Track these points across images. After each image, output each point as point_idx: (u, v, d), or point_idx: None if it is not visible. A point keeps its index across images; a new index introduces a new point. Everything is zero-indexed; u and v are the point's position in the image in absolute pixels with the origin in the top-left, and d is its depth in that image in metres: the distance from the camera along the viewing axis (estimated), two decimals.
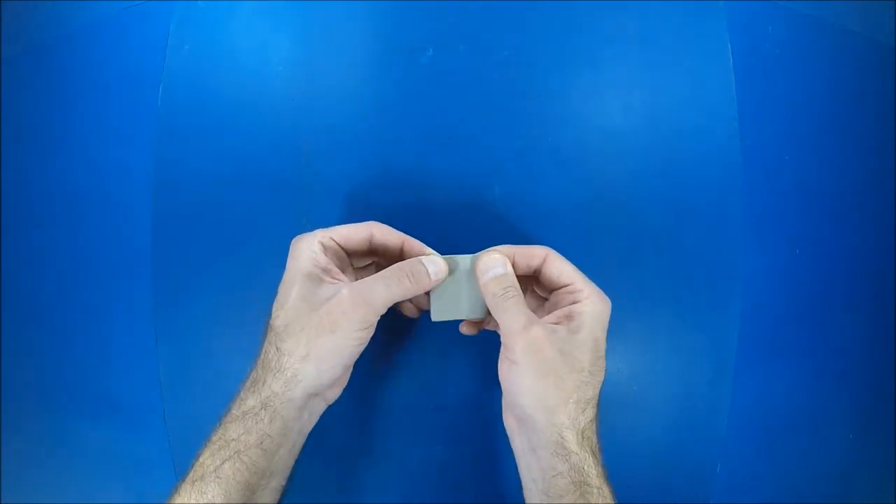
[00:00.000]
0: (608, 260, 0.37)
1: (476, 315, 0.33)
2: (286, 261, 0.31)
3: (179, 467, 0.39)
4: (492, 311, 0.31)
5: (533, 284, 0.34)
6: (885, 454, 0.41)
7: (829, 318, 0.40)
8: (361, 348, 0.30)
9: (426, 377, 0.38)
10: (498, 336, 0.34)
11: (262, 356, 0.30)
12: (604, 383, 0.34)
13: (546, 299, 0.34)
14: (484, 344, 0.37)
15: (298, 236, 0.31)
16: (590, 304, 0.30)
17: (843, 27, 0.41)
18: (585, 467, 0.28)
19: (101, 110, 0.41)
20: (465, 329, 0.35)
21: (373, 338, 0.35)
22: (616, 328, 0.36)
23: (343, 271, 0.32)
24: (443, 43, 0.38)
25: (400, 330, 0.38)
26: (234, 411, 0.30)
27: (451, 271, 0.32)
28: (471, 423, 0.38)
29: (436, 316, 0.32)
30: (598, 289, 0.30)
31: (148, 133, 0.39)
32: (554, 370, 0.28)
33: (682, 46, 0.38)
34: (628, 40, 0.38)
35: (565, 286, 0.31)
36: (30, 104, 0.43)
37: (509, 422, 0.32)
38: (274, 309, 0.30)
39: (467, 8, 0.38)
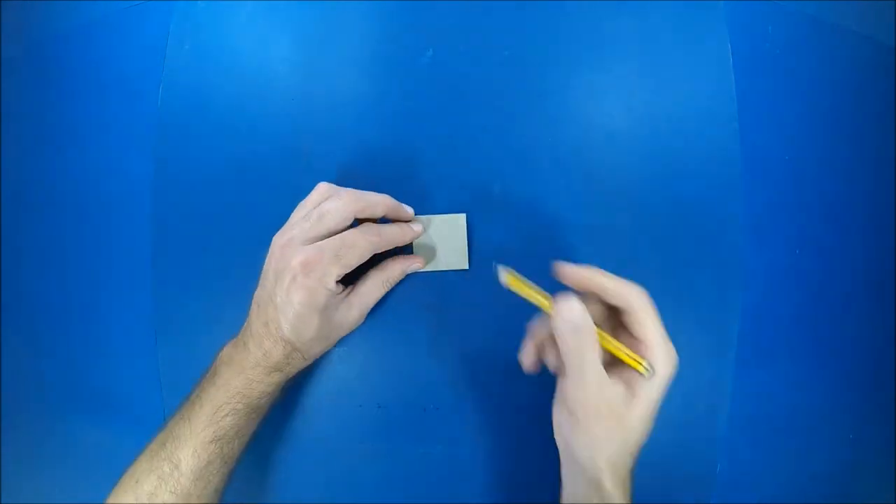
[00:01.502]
0: (608, 260, 0.37)
1: (453, 266, 0.37)
2: (293, 280, 0.31)
3: None
4: (564, 360, 0.29)
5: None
6: (885, 454, 0.41)
7: (829, 319, 0.40)
8: None
9: (425, 377, 0.38)
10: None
11: (282, 358, 0.32)
12: None
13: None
14: (482, 344, 0.37)
15: (308, 263, 0.30)
16: (659, 372, 0.29)
17: (843, 27, 0.41)
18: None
19: (101, 110, 0.41)
20: (527, 365, 0.33)
21: (371, 339, 0.38)
22: None
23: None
24: (443, 43, 0.38)
25: (399, 330, 0.38)
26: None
27: (427, 230, 0.36)
28: (470, 422, 0.38)
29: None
30: (670, 349, 0.29)
31: (148, 133, 0.39)
32: (606, 427, 0.28)
33: (682, 46, 0.38)
34: (628, 40, 0.38)
35: (642, 341, 0.29)
36: (30, 104, 0.43)
37: (559, 441, 0.31)
38: (288, 330, 0.32)
39: (467, 8, 0.38)
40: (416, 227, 0.35)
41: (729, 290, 0.38)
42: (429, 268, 0.37)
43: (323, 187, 0.33)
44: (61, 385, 0.42)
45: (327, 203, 0.32)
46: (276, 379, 0.33)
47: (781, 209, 0.39)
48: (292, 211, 0.34)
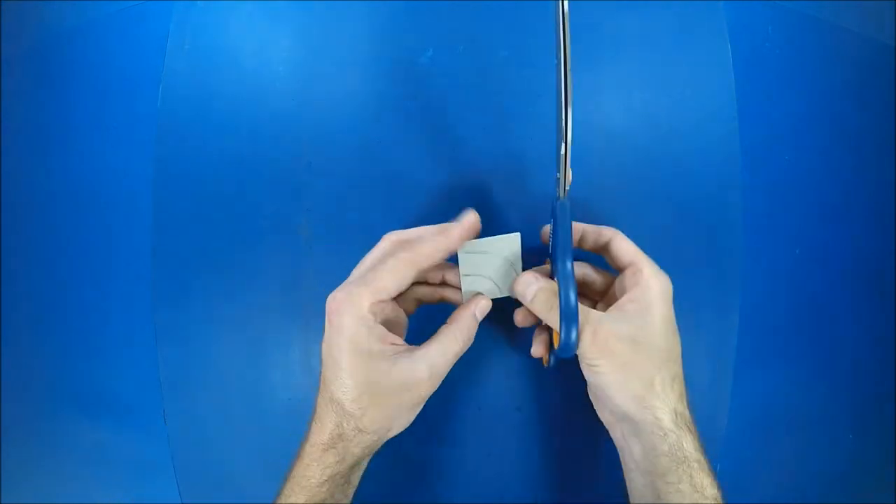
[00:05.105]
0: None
1: (498, 293, 0.33)
2: (327, 323, 0.29)
3: (179, 467, 0.39)
4: (550, 324, 0.31)
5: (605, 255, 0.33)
6: (885, 454, 0.41)
7: (829, 319, 0.40)
8: None
9: None
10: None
11: (333, 429, 0.28)
12: None
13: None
14: (483, 343, 0.37)
15: (335, 298, 0.28)
16: (652, 284, 0.30)
17: (843, 27, 0.41)
18: (684, 444, 0.29)
19: (101, 110, 0.41)
20: (519, 321, 0.34)
21: None
22: None
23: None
24: (443, 43, 0.38)
25: None
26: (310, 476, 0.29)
27: (476, 254, 0.32)
28: (471, 423, 0.38)
29: (465, 289, 0.33)
30: (656, 267, 0.31)
31: (148, 133, 0.39)
32: (631, 361, 0.29)
33: (682, 46, 0.38)
34: (628, 40, 0.38)
35: (628, 266, 0.31)
36: (30, 104, 0.43)
37: (605, 416, 0.33)
38: (335, 387, 0.28)
39: (467, 8, 0.38)
40: (470, 217, 0.30)
41: (728, 290, 0.38)
42: (475, 289, 0.33)
43: (384, 243, 0.30)
44: (61, 385, 0.42)
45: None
46: (331, 460, 0.28)
47: (781, 209, 0.39)
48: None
